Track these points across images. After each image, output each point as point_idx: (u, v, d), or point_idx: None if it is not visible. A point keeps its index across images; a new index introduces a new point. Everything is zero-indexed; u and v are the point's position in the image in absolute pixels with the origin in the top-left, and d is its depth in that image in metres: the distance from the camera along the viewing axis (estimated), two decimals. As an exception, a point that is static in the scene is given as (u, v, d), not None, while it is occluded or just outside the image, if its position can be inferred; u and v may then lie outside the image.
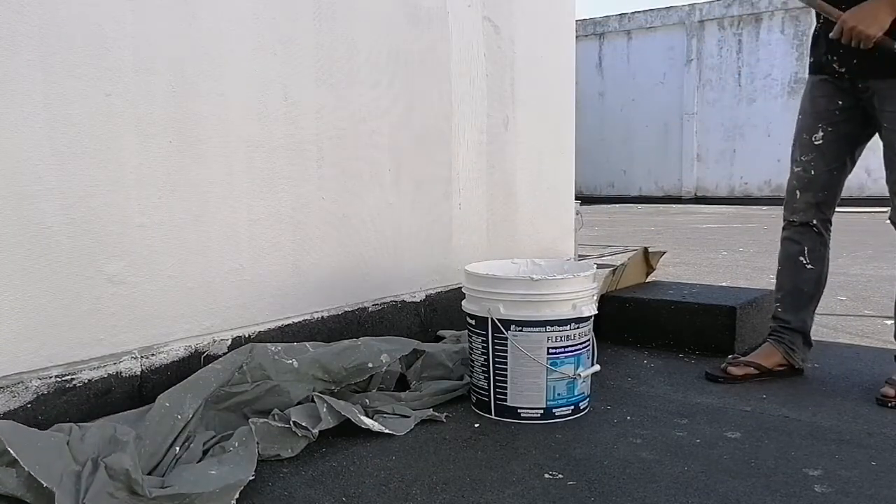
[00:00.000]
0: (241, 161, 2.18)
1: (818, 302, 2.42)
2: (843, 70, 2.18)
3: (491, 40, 3.13)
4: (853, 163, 2.32)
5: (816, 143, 2.27)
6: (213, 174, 2.10)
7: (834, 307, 3.56)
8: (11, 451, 1.41)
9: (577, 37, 3.87)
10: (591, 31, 14.52)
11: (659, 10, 13.89)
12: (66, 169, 1.79)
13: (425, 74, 2.80)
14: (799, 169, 2.31)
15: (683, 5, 13.61)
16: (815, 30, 2.28)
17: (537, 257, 2.57)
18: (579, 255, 3.99)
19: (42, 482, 1.40)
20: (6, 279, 1.70)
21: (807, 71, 2.36)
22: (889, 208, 2.20)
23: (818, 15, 2.22)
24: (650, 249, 3.40)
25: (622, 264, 3.16)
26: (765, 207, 11.26)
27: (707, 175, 13.51)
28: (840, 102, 2.23)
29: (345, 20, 2.46)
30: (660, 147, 13.96)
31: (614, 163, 14.42)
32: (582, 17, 14.81)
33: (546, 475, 1.70)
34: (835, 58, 2.18)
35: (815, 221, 2.33)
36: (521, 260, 2.40)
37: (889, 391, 2.13)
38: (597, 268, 2.21)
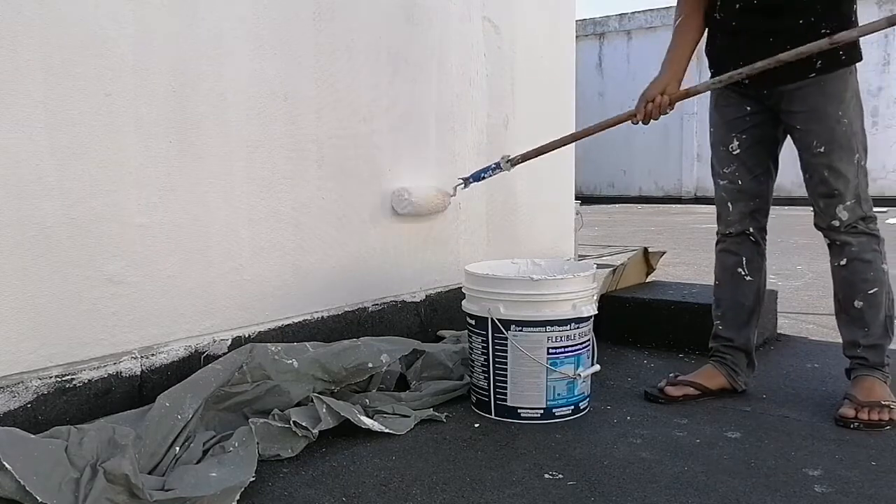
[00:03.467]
0: (241, 161, 2.18)
1: (759, 317, 2.29)
2: (747, 81, 2.08)
3: (491, 40, 3.13)
4: (776, 167, 2.23)
5: (734, 152, 2.18)
6: (213, 174, 2.10)
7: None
8: (6, 464, 1.40)
9: (577, 37, 3.87)
10: (591, 31, 14.51)
11: (659, 10, 13.86)
12: (66, 169, 1.79)
13: (425, 74, 2.80)
14: (725, 181, 2.22)
15: (683, 5, 13.57)
16: (709, 43, 2.20)
17: (537, 257, 2.57)
18: (579, 255, 3.99)
19: (37, 497, 1.39)
20: (6, 279, 1.70)
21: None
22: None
23: (717, 30, 2.14)
24: (650, 249, 3.41)
25: (622, 264, 3.16)
26: (765, 207, 11.23)
27: (707, 175, 13.37)
28: (748, 108, 2.14)
29: (345, 20, 2.46)
30: (660, 147, 13.94)
31: (614, 163, 14.40)
32: (582, 17, 14.79)
33: (546, 475, 1.70)
34: (737, 69, 2.07)
35: (751, 230, 2.22)
36: (521, 260, 2.40)
37: (848, 411, 1.98)
38: (597, 268, 2.21)
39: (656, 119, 2.16)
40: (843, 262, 2.06)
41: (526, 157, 2.40)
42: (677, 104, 2.21)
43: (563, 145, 2.44)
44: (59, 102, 1.77)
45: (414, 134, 2.76)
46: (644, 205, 13.32)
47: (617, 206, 13.01)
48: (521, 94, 3.30)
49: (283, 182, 2.30)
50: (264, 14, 2.21)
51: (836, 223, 2.03)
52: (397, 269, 2.72)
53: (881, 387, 2.03)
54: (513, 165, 2.40)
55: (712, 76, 2.17)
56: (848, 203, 2.02)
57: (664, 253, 3.59)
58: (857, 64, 2.04)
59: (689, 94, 2.15)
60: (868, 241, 2.05)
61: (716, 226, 2.28)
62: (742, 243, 2.24)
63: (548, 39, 3.49)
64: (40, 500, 1.39)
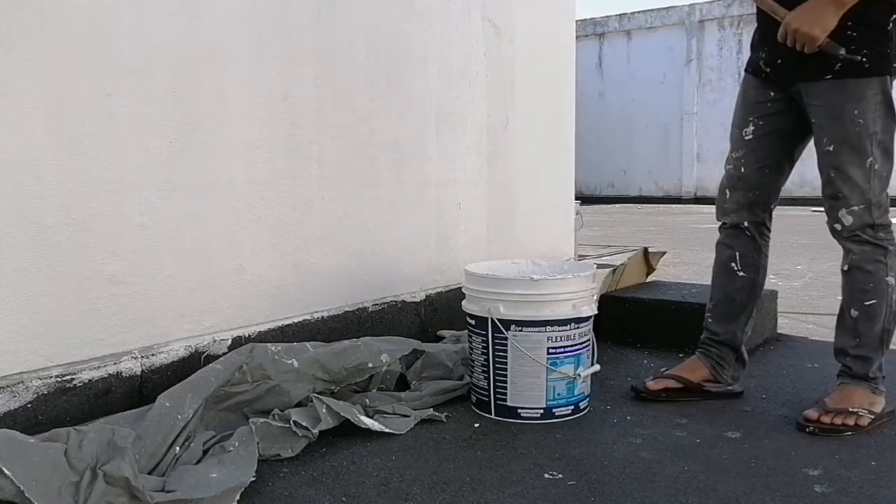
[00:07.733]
0: (241, 161, 2.18)
1: (751, 314, 2.23)
2: (768, 70, 2.04)
3: (491, 40, 3.13)
4: (791, 163, 2.13)
5: (747, 138, 2.09)
6: (212, 174, 2.10)
7: (834, 307, 3.54)
8: (5, 469, 1.39)
9: (577, 37, 3.87)
10: (591, 31, 14.52)
11: (659, 10, 13.88)
12: (66, 169, 1.79)
13: (425, 74, 2.80)
14: (730, 167, 2.14)
15: (683, 5, 13.61)
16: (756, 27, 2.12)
17: (537, 257, 2.57)
18: (579, 255, 3.99)
19: (37, 503, 1.38)
20: (6, 279, 1.70)
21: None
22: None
23: (759, 13, 2.06)
24: (650, 249, 3.41)
25: (622, 264, 3.16)
26: (765, 207, 11.24)
27: (707, 175, 13.49)
28: (772, 94, 2.05)
29: (344, 20, 2.46)
30: (660, 147, 13.95)
31: (614, 163, 14.41)
32: (582, 17, 14.79)
33: (546, 475, 1.70)
34: (762, 56, 2.04)
35: (746, 223, 2.14)
36: (521, 260, 2.40)
37: (812, 413, 1.96)
38: (597, 268, 2.21)
39: (790, 45, 1.91)
40: (846, 268, 2.01)
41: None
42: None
43: None
44: (59, 102, 1.77)
45: (413, 133, 2.76)
46: (644, 205, 13.32)
47: (617, 206, 13.01)
48: (521, 94, 3.30)
49: (283, 182, 2.30)
50: (264, 14, 2.21)
51: (839, 227, 1.96)
52: (397, 269, 2.72)
53: (860, 395, 1.96)
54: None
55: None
56: (854, 208, 1.92)
57: (664, 253, 3.59)
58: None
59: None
60: (872, 250, 1.95)
61: (716, 226, 2.25)
62: (737, 237, 2.17)
63: (548, 39, 3.49)
64: None
